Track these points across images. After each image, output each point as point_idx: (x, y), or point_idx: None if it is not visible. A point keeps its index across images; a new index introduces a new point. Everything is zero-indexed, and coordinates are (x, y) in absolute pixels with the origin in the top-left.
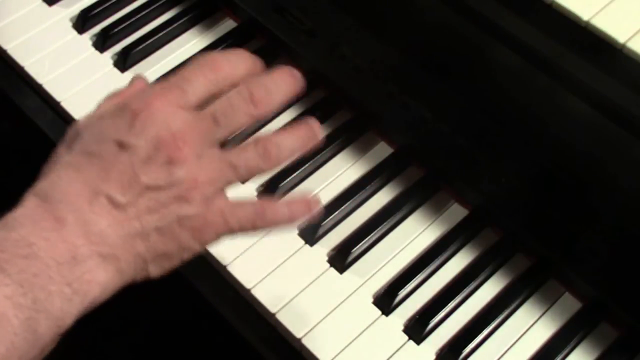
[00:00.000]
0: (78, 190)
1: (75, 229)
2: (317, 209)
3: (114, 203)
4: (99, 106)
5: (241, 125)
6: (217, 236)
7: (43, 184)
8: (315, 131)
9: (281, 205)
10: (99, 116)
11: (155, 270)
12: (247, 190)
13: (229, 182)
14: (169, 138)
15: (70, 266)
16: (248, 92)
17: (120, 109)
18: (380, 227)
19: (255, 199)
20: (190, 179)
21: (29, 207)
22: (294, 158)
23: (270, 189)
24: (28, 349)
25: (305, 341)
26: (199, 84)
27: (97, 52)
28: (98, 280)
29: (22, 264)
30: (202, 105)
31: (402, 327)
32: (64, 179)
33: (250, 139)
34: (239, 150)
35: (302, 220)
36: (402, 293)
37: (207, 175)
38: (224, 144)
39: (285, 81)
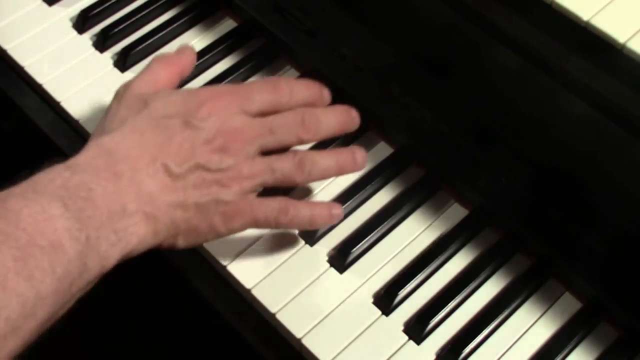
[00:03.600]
0: (139, 152)
1: (129, 185)
2: (338, 215)
3: (168, 171)
4: None
5: (289, 143)
6: (243, 225)
7: (107, 140)
8: (358, 159)
9: (304, 205)
10: (170, 92)
11: (182, 242)
12: None
13: (265, 183)
14: (229, 130)
15: (119, 216)
16: (301, 116)
17: (193, 93)
18: (380, 227)
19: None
20: (236, 169)
21: (91, 156)
22: (329, 177)
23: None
24: (78, 276)
25: (305, 341)
26: (262, 97)
27: (97, 52)
28: (138, 234)
29: (81, 204)
30: (260, 116)
31: (402, 327)
32: (128, 139)
33: (292, 150)
34: (279, 156)
35: (323, 224)
36: (402, 293)
37: (249, 171)
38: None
39: (336, 117)
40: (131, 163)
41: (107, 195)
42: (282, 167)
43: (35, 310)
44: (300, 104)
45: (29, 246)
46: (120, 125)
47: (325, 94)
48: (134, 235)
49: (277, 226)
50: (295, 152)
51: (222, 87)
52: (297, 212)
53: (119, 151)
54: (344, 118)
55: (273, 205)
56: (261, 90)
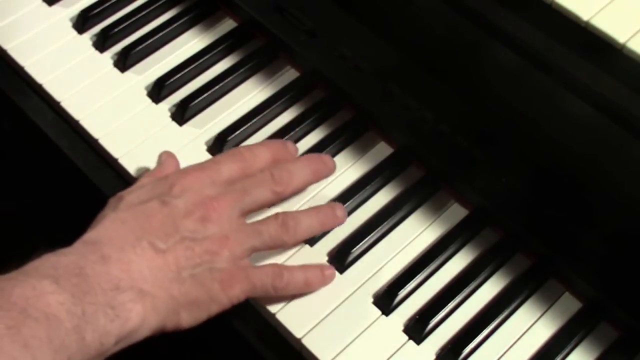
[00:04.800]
0: (123, 236)
1: (118, 265)
2: (330, 275)
3: (155, 248)
4: (139, 180)
5: (265, 199)
6: (242, 292)
7: (90, 234)
8: (338, 214)
9: (297, 269)
10: (140, 185)
11: (186, 318)
12: None
13: (254, 247)
14: (205, 199)
15: (114, 293)
16: (270, 172)
17: (160, 179)
18: (380, 227)
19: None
20: (222, 236)
21: (77, 247)
22: (314, 234)
23: None
24: (77, 350)
25: (305, 341)
26: (228, 166)
27: (97, 52)
28: (137, 311)
29: (73, 281)
30: (231, 183)
31: (402, 327)
32: (109, 229)
33: (274, 213)
34: (263, 220)
35: (318, 286)
36: (402, 293)
37: (235, 236)
38: None
39: (308, 164)
40: (117, 246)
41: (98, 275)
42: (267, 229)
43: None
44: (267, 163)
45: (21, 318)
46: (100, 222)
47: (290, 147)
48: (132, 312)
49: (275, 292)
50: (279, 213)
51: (188, 166)
52: (292, 275)
53: (103, 238)
54: (316, 164)
55: (267, 270)
56: (226, 160)
